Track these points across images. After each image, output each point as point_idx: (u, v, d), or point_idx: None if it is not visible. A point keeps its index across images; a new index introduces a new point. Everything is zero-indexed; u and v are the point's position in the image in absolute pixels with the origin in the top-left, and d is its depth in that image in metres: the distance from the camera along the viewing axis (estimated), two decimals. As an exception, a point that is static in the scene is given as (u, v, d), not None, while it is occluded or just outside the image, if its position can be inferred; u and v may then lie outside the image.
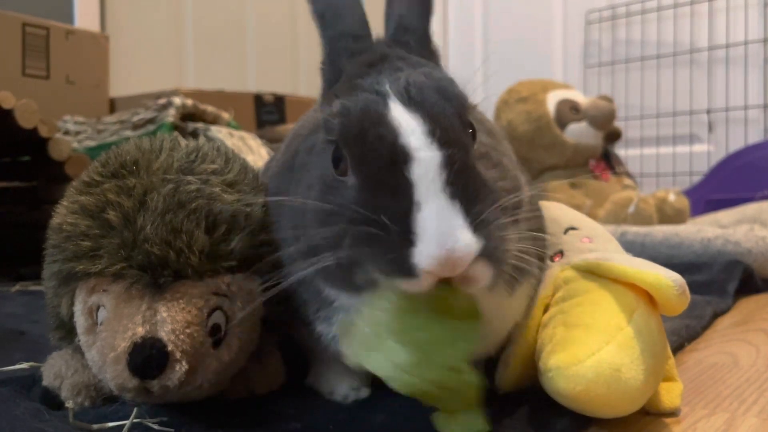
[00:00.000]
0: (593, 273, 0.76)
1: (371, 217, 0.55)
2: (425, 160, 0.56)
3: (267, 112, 2.82)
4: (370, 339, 0.58)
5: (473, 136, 0.64)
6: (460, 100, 0.62)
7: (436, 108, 0.60)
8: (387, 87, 0.62)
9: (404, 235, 0.53)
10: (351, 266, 0.57)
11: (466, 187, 0.56)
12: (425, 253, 0.53)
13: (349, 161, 0.60)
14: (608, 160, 2.58)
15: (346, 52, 0.72)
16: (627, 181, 2.54)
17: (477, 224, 0.54)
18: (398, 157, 0.56)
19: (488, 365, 0.78)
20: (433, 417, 0.59)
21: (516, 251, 0.60)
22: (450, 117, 0.60)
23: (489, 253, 0.55)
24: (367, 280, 0.57)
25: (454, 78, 0.66)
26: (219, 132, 2.04)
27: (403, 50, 0.71)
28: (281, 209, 0.72)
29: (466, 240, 0.53)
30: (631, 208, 2.13)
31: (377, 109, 0.60)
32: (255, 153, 2.06)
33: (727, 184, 2.84)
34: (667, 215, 2.15)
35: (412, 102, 0.60)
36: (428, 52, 0.74)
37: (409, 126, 0.58)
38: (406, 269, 0.54)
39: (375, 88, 0.63)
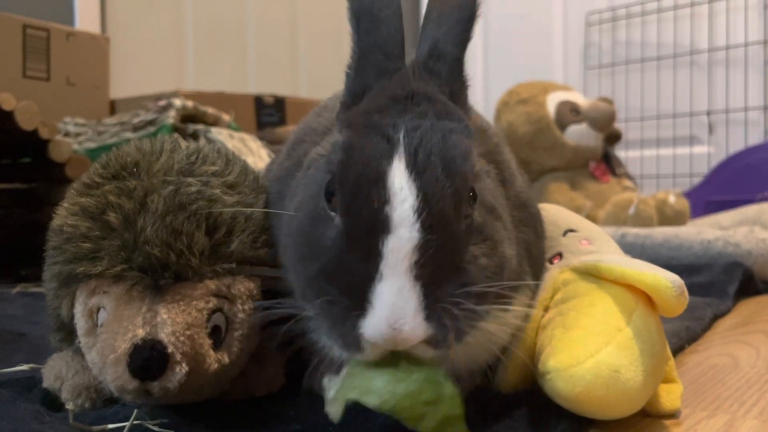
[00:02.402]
0: (592, 275, 0.76)
1: (332, 288, 0.57)
2: (402, 238, 0.56)
3: (267, 114, 2.82)
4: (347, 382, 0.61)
5: (473, 200, 0.63)
6: (463, 179, 0.61)
7: (436, 185, 0.59)
8: (401, 136, 0.61)
9: (358, 303, 0.55)
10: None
11: (435, 270, 0.56)
12: (372, 326, 0.55)
13: (339, 202, 0.60)
14: (608, 162, 2.58)
15: (375, 68, 0.69)
16: (627, 182, 2.54)
17: (431, 310, 0.55)
18: (378, 225, 0.57)
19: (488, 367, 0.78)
20: None
21: (476, 334, 0.61)
22: (446, 197, 0.59)
23: (436, 339, 0.56)
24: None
25: (470, 143, 0.65)
26: (219, 134, 2.04)
27: (433, 83, 0.69)
28: (279, 217, 0.72)
29: (413, 323, 0.54)
30: (631, 210, 2.13)
31: (378, 166, 0.59)
32: (255, 155, 2.06)
33: (728, 185, 2.84)
34: (668, 217, 2.15)
35: (415, 168, 0.59)
36: (459, 83, 0.72)
37: (401, 196, 0.58)
38: (354, 343, 0.56)
39: (388, 134, 0.62)
